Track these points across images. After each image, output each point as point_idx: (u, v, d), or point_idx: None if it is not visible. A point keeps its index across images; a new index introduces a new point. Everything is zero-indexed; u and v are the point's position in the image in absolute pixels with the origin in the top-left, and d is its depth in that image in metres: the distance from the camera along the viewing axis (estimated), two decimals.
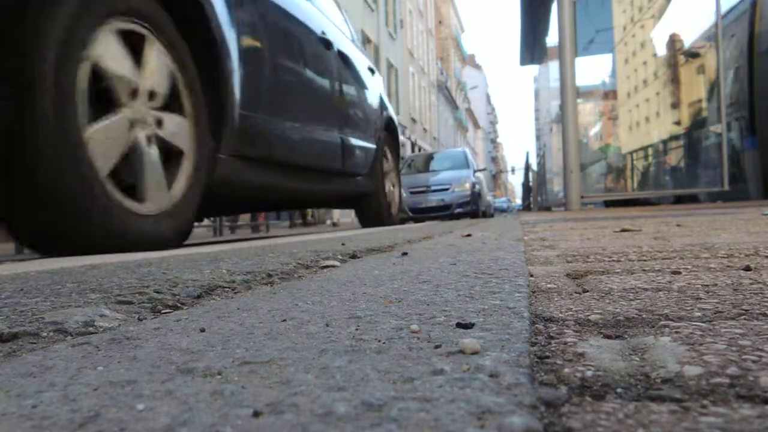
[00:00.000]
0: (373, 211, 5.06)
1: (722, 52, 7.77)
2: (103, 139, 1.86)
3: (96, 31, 1.86)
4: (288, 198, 4.01)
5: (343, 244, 1.89)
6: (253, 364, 0.46)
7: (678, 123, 9.09)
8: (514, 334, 0.53)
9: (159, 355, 0.51)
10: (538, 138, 34.91)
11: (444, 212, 11.08)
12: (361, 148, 4.48)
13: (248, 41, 2.75)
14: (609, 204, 9.98)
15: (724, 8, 8.20)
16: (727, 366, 0.44)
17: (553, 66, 11.69)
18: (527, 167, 17.03)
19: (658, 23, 8.96)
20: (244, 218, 12.14)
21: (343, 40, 4.38)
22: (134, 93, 2.01)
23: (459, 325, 0.57)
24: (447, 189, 11.43)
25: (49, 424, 0.35)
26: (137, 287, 0.90)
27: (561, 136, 8.18)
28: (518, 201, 59.48)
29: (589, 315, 0.67)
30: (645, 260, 1.24)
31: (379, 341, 0.53)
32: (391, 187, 5.48)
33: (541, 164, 17.80)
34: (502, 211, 30.09)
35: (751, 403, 0.36)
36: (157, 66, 2.13)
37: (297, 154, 3.37)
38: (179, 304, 0.83)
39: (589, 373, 0.44)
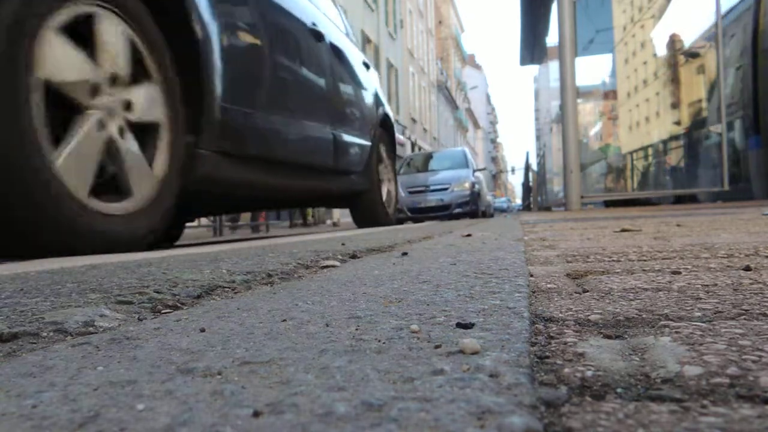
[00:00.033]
0: (368, 210, 4.88)
1: (722, 51, 7.76)
2: (75, 163, 1.76)
3: (38, 39, 1.66)
4: (276, 196, 3.87)
5: (343, 244, 1.89)
6: (253, 364, 0.46)
7: (678, 123, 9.09)
8: (514, 334, 0.53)
9: (159, 355, 0.51)
10: (538, 138, 34.92)
11: (443, 212, 10.98)
12: (354, 144, 4.33)
13: (231, 30, 2.59)
14: (609, 204, 9.98)
15: (724, 8, 8.19)
16: (727, 366, 0.44)
17: (553, 66, 11.69)
18: (527, 167, 17.03)
19: (658, 23, 8.96)
20: (245, 218, 12.13)
21: (336, 33, 4.23)
22: (95, 89, 1.86)
23: (459, 325, 0.57)
24: (446, 189, 11.32)
25: (49, 424, 0.35)
26: (137, 287, 0.90)
27: (561, 136, 8.18)
28: (518, 201, 59.48)
29: (589, 315, 0.67)
30: (645, 260, 1.24)
31: (379, 341, 0.53)
32: (388, 186, 5.31)
33: (541, 164, 17.79)
34: (502, 211, 30.10)
35: (751, 403, 0.36)
36: (112, 41, 1.93)
37: (285, 150, 3.22)
38: (179, 304, 0.83)
39: (589, 373, 0.44)
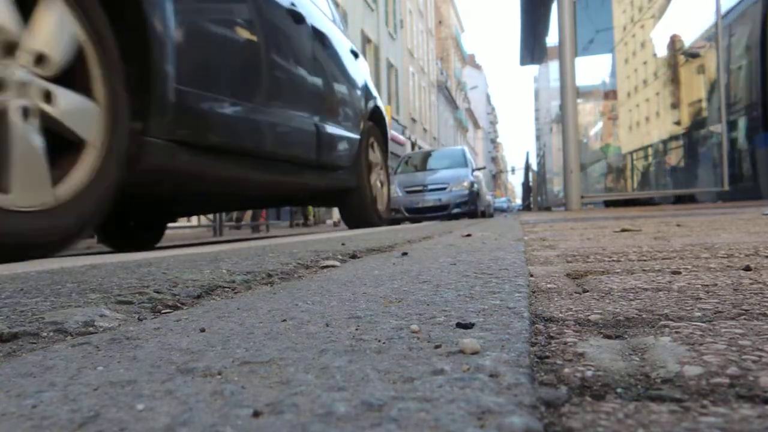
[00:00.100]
0: (357, 209, 4.53)
1: (722, 51, 7.75)
2: None
3: None
4: (252, 193, 3.54)
5: (343, 244, 1.89)
6: (253, 364, 0.46)
7: (678, 123, 9.09)
8: (514, 334, 0.53)
9: (159, 355, 0.51)
10: (538, 138, 34.92)
11: (441, 212, 10.79)
12: (341, 138, 4.03)
13: (189, 1, 2.32)
14: (609, 204, 9.98)
15: (726, 6, 8.18)
16: (727, 366, 0.44)
17: (553, 66, 11.69)
18: (527, 167, 17.04)
19: (658, 23, 8.96)
20: (245, 218, 12.13)
21: (321, 17, 3.92)
22: (10, 48, 1.59)
23: (459, 325, 0.57)
24: (444, 188, 11.10)
25: (49, 424, 0.35)
26: (137, 287, 0.90)
27: (561, 136, 8.18)
28: (518, 201, 59.50)
29: (589, 315, 0.67)
30: (645, 260, 1.24)
31: (379, 341, 0.53)
32: (379, 184, 4.96)
33: (541, 164, 17.79)
34: (502, 211, 30.12)
35: (751, 403, 0.36)
36: (54, 30, 1.71)
37: (259, 141, 2.92)
38: (179, 304, 0.83)
39: (589, 373, 0.44)
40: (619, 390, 0.40)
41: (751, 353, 0.47)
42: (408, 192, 11.20)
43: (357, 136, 4.35)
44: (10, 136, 1.58)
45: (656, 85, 9.09)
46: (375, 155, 4.86)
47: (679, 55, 8.81)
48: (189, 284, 0.95)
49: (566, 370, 0.45)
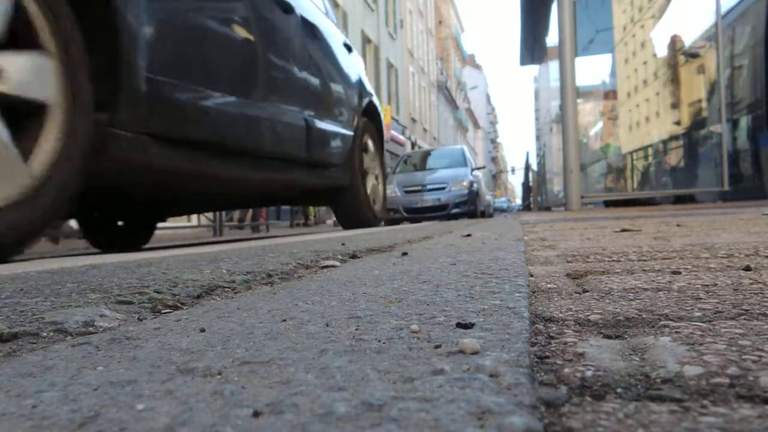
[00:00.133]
0: (350, 208, 4.35)
1: (725, 49, 7.74)
2: None
3: None
4: (237, 190, 3.35)
5: (343, 244, 1.89)
6: (253, 364, 0.46)
7: (678, 123, 9.09)
8: (514, 334, 0.53)
9: (159, 355, 0.51)
10: (538, 138, 34.93)
11: (440, 212, 10.65)
12: (333, 134, 3.85)
13: None
14: (609, 204, 9.98)
15: (724, 7, 8.18)
16: (727, 366, 0.44)
17: (553, 66, 11.69)
18: (527, 167, 17.04)
19: (658, 23, 8.96)
20: (246, 218, 12.12)
21: (312, 8, 3.76)
22: None
23: (459, 325, 0.57)
24: (443, 188, 10.96)
25: (49, 424, 0.35)
26: (137, 287, 0.90)
27: (561, 136, 8.18)
28: (518, 201, 59.51)
29: (589, 315, 0.67)
30: (645, 260, 1.24)
31: (379, 341, 0.53)
32: (374, 182, 4.76)
33: (541, 164, 17.80)
34: (502, 211, 30.12)
35: (751, 403, 0.36)
36: None
37: (244, 136, 2.76)
38: (179, 304, 0.83)
39: (589, 373, 0.44)
40: (619, 390, 0.40)
41: (751, 353, 0.47)
42: (407, 192, 11.08)
43: (350, 133, 4.20)
44: None
45: (656, 85, 9.09)
46: (370, 153, 4.70)
47: (679, 55, 8.81)
48: (189, 284, 0.95)
49: (566, 370, 0.45)
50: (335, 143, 3.91)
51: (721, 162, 7.69)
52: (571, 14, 7.77)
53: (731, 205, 6.10)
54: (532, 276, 1.04)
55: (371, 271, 1.14)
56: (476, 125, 67.64)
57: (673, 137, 9.18)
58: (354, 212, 4.37)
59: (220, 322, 0.66)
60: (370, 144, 4.72)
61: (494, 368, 0.42)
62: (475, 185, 11.48)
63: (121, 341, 0.58)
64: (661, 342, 0.52)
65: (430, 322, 0.60)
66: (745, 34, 8.84)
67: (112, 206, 3.38)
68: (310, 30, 3.61)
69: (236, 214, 12.16)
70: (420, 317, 0.63)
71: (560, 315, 0.67)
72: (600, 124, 10.22)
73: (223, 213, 10.41)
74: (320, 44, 3.78)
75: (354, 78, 4.41)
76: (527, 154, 18.10)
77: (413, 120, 30.79)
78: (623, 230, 2.33)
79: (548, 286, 0.92)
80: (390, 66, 26.24)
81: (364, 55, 21.94)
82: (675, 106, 9.00)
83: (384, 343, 0.52)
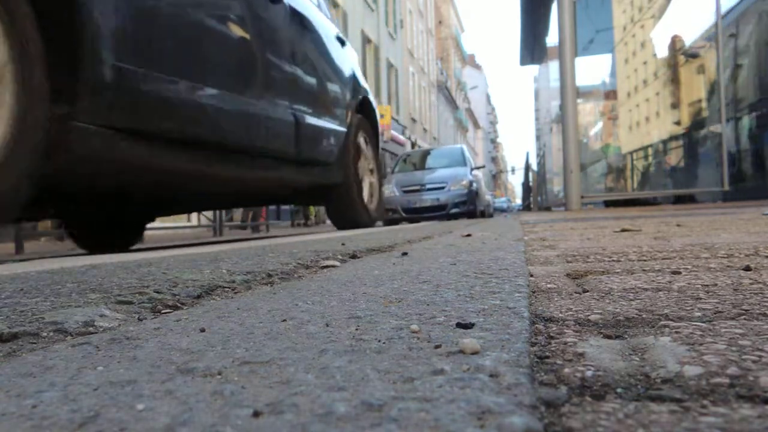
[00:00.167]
0: (344, 207, 4.18)
1: (728, 47, 7.73)
2: None
3: None
4: (220, 189, 3.14)
5: (343, 244, 1.89)
6: (253, 364, 0.46)
7: (678, 123, 9.09)
8: (514, 334, 0.53)
9: (159, 355, 0.51)
10: (538, 138, 34.94)
11: (439, 212, 10.49)
12: (324, 130, 3.69)
13: None
14: (609, 204, 9.98)
15: (724, 7, 8.18)
16: (727, 366, 0.44)
17: (553, 66, 11.69)
18: (527, 167, 17.04)
19: (658, 23, 8.96)
20: (248, 218, 12.12)
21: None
22: None
23: (459, 325, 0.57)
24: (443, 188, 10.78)
25: (49, 424, 0.35)
26: (137, 287, 0.90)
27: (561, 136, 8.18)
28: (518, 201, 59.52)
29: (589, 315, 0.67)
30: (645, 260, 1.24)
31: (379, 341, 0.53)
32: (369, 180, 4.59)
33: (541, 164, 17.80)
34: (502, 211, 30.14)
35: (751, 403, 0.36)
36: None
37: (226, 131, 2.58)
38: (179, 304, 0.83)
39: (589, 373, 0.44)
40: (619, 390, 0.40)
41: (751, 353, 0.47)
42: (405, 191, 10.91)
43: (343, 129, 4.04)
44: None
45: (656, 85, 9.09)
46: (364, 151, 4.53)
47: (679, 55, 8.81)
48: (189, 284, 0.95)
49: (566, 370, 0.45)
50: (327, 140, 3.76)
51: (721, 162, 7.69)
52: (571, 14, 7.77)
53: (731, 205, 6.10)
54: (532, 276, 1.04)
55: (371, 271, 1.14)
56: (476, 125, 67.64)
57: (673, 137, 9.18)
58: (348, 212, 4.21)
59: (220, 322, 0.66)
60: (365, 141, 4.55)
61: (494, 368, 0.42)
62: (474, 185, 11.31)
63: (121, 341, 0.58)
64: (661, 342, 0.52)
65: (430, 322, 0.60)
66: (749, 32, 8.82)
67: (91, 205, 3.22)
68: (299, 21, 3.44)
69: (236, 214, 12.16)
70: (420, 317, 0.63)
71: (560, 315, 0.67)
72: (600, 124, 10.22)
73: (223, 213, 10.41)
74: (310, 36, 3.61)
75: (347, 73, 4.24)
76: (527, 154, 18.11)
77: (413, 120, 30.80)
78: (623, 230, 2.33)
79: (548, 286, 0.92)
80: (390, 66, 26.24)
81: (363, 55, 21.95)
82: (675, 106, 9.00)
83: (384, 343, 0.52)
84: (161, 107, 2.17)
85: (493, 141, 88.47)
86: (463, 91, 56.44)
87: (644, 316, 0.65)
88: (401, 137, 26.13)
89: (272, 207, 13.55)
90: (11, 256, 5.42)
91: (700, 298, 0.74)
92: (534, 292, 0.85)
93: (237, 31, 2.72)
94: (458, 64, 53.56)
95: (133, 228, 4.36)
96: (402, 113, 27.82)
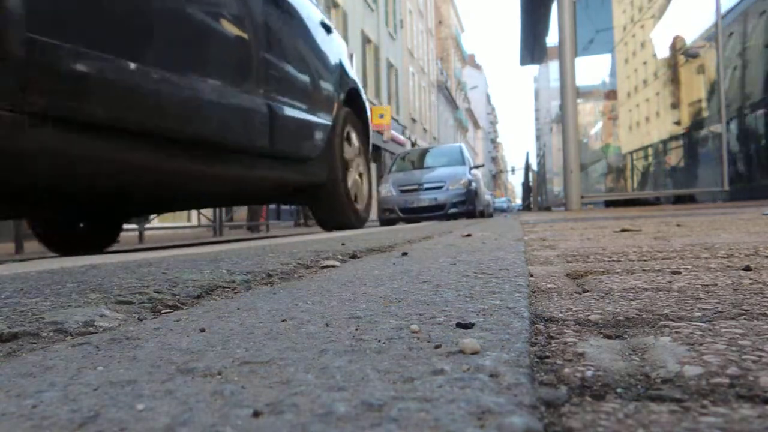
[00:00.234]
0: (330, 207, 3.87)
1: (722, 51, 7.74)
2: None
3: None
4: (166, 186, 2.77)
5: (343, 244, 1.89)
6: (253, 364, 0.46)
7: (678, 123, 9.09)
8: (514, 334, 0.53)
9: (159, 355, 0.51)
10: (538, 138, 34.94)
11: (437, 212, 10.26)
12: (305, 123, 3.37)
13: None
14: (609, 204, 9.98)
15: (724, 8, 8.18)
16: (727, 366, 0.44)
17: (553, 66, 11.68)
18: (527, 167, 17.03)
19: (658, 23, 8.97)
20: (243, 218, 12.11)
21: None
22: None
23: (459, 325, 0.57)
24: (441, 187, 10.53)
25: (49, 424, 0.35)
26: (137, 287, 0.90)
27: (561, 136, 8.18)
28: (518, 201, 59.53)
29: (589, 315, 0.67)
30: (645, 260, 1.24)
31: (379, 341, 0.53)
32: (358, 179, 4.28)
33: (541, 164, 17.80)
34: (502, 211, 30.15)
35: (751, 403, 0.36)
36: None
37: (180, 120, 2.29)
38: (179, 304, 0.83)
39: (589, 373, 0.44)
40: (619, 390, 0.40)
41: (751, 353, 0.47)
42: (402, 191, 10.67)
43: (328, 123, 3.71)
44: None
45: (656, 85, 9.09)
46: (352, 146, 4.20)
47: (679, 55, 8.82)
48: (189, 284, 0.95)
49: (566, 370, 0.45)
50: (308, 134, 3.44)
51: (721, 162, 7.69)
52: (571, 14, 7.77)
53: (731, 205, 6.10)
54: (532, 276, 1.04)
55: (371, 271, 1.14)
56: (476, 125, 67.64)
57: (673, 137, 9.18)
58: (334, 212, 3.92)
59: (220, 322, 0.66)
60: (353, 136, 4.24)
61: (494, 368, 0.42)
62: (473, 184, 11.05)
63: (121, 341, 0.58)
64: (661, 342, 0.52)
65: (430, 322, 0.60)
66: (748, 32, 8.80)
67: (55, 205, 2.95)
68: (276, 3, 3.15)
69: (236, 214, 12.15)
70: (420, 317, 0.63)
71: (560, 315, 0.67)
72: (600, 124, 10.22)
73: (223, 213, 10.41)
74: (289, 20, 3.29)
75: (333, 61, 3.93)
76: (527, 154, 18.10)
77: (413, 120, 30.80)
78: (623, 230, 2.33)
79: (548, 286, 0.92)
80: (390, 66, 26.24)
81: (363, 55, 21.95)
82: (675, 106, 9.01)
83: (384, 343, 0.52)
84: (93, 90, 1.89)
85: (493, 141, 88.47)
86: (463, 91, 56.44)
87: (644, 316, 0.65)
88: (401, 137, 26.13)
89: (272, 207, 13.53)
90: (11, 256, 5.42)
91: (700, 298, 0.74)
92: (534, 292, 0.85)
93: (192, 7, 2.39)
94: (458, 64, 53.56)
95: (106, 229, 4.09)
96: (402, 113, 27.82)
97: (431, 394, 0.37)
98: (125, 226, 4.68)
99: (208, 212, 10.28)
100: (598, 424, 0.34)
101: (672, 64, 8.90)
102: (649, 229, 2.35)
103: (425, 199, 10.46)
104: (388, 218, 10.47)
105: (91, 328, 0.66)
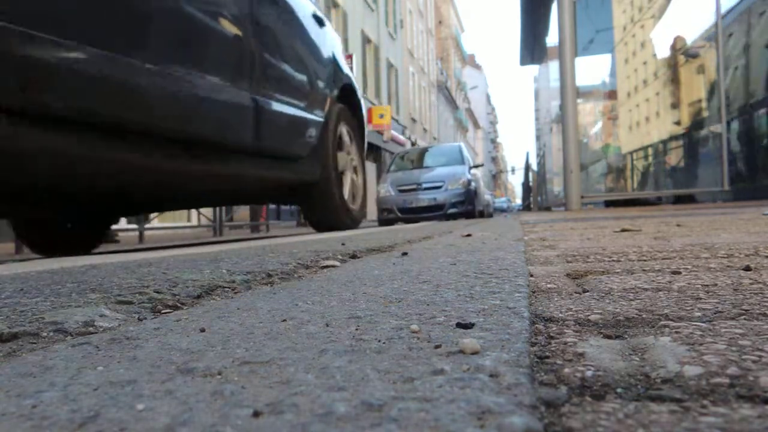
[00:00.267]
0: (322, 207, 3.71)
1: (722, 51, 7.75)
2: None
3: None
4: (142, 183, 2.63)
5: (343, 244, 1.89)
6: (253, 364, 0.46)
7: (678, 123, 9.09)
8: (514, 334, 0.53)
9: (159, 355, 0.51)
10: (538, 138, 34.94)
11: (436, 212, 10.13)
12: (295, 119, 3.22)
13: None
14: (609, 204, 9.98)
15: (724, 8, 8.18)
16: (727, 366, 0.44)
17: (553, 66, 11.68)
18: (527, 167, 17.03)
19: (658, 23, 8.97)
20: (243, 217, 12.11)
21: None
22: None
23: (459, 325, 0.57)
24: (440, 187, 10.39)
25: (49, 424, 0.35)
26: (137, 287, 0.90)
27: (561, 136, 8.19)
28: (518, 201, 59.54)
29: (589, 315, 0.67)
30: (645, 260, 1.24)
31: (379, 341, 0.53)
32: (352, 178, 4.14)
33: (541, 164, 17.80)
34: (502, 211, 30.15)
35: (751, 403, 0.36)
36: None
37: (153, 114, 2.16)
38: (179, 304, 0.83)
39: (589, 373, 0.44)
40: (619, 390, 0.40)
41: (751, 353, 0.47)
42: (401, 191, 10.54)
43: (320, 119, 3.55)
44: None
45: (656, 85, 9.10)
46: (346, 144, 4.06)
47: (679, 55, 8.82)
48: (189, 284, 0.95)
49: (566, 370, 0.45)
50: (299, 131, 3.29)
51: (721, 162, 7.69)
52: (571, 14, 7.77)
53: (731, 205, 6.10)
54: (532, 276, 1.04)
55: (371, 271, 1.14)
56: (476, 125, 67.64)
57: (673, 137, 9.19)
58: (327, 212, 3.76)
59: (220, 322, 0.66)
60: (347, 133, 4.09)
61: (494, 368, 0.42)
62: (473, 184, 10.89)
63: (121, 341, 0.58)
64: (661, 342, 0.52)
65: (430, 322, 0.60)
66: (748, 31, 8.80)
67: (38, 204, 2.83)
68: None
69: (236, 214, 12.15)
70: (420, 317, 0.63)
71: (560, 315, 0.67)
72: (600, 124, 10.22)
73: (224, 213, 10.41)
74: (278, 10, 3.14)
75: (326, 55, 3.75)
76: (527, 154, 18.10)
77: (413, 120, 30.80)
78: (623, 230, 2.33)
79: (548, 286, 0.92)
80: (390, 66, 26.24)
81: (363, 55, 21.94)
82: (675, 106, 9.01)
83: (384, 343, 0.52)
84: (58, 81, 1.77)
85: (493, 141, 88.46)
86: (463, 91, 56.44)
87: (644, 316, 0.65)
88: (401, 137, 26.13)
89: (272, 207, 13.53)
90: (11, 256, 5.42)
91: (700, 298, 0.74)
92: (534, 292, 0.85)
93: None
94: (458, 64, 53.56)
95: (92, 230, 3.96)
96: (402, 113, 27.82)
97: (431, 394, 0.37)
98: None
99: (208, 212, 10.28)
100: (598, 424, 0.34)
101: (672, 64, 8.91)
102: (649, 229, 2.35)
103: (424, 199, 10.33)
104: (386, 218, 10.40)
105: (91, 328, 0.66)
